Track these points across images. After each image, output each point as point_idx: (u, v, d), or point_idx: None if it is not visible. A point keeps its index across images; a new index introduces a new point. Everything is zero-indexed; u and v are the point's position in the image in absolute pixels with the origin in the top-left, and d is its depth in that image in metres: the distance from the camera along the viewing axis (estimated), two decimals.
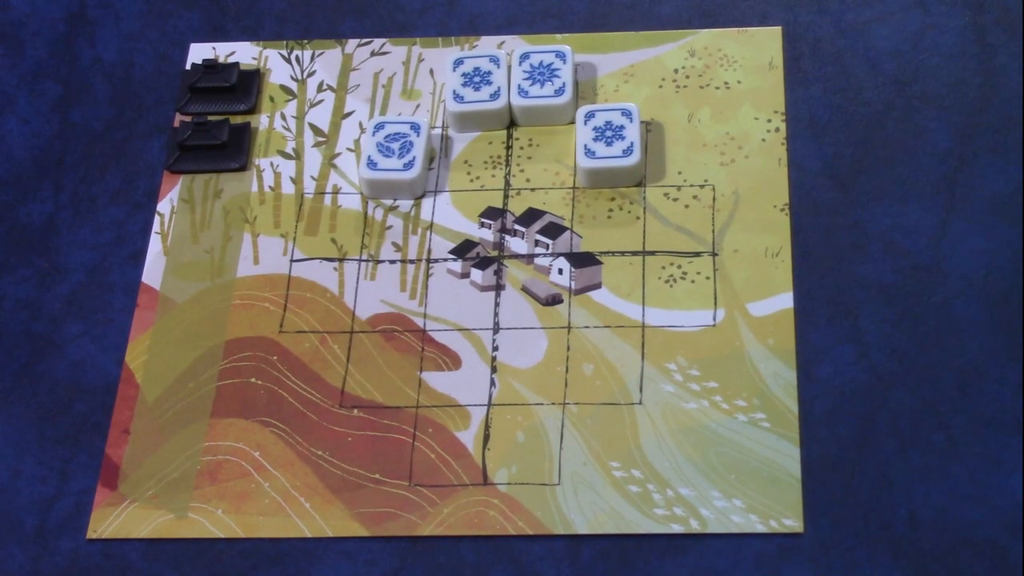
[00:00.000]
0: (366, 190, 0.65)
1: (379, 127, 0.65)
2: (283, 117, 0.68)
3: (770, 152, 0.64)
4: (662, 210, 0.63)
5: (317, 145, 0.67)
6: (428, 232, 0.64)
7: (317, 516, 0.57)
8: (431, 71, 0.68)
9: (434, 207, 0.64)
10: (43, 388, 0.61)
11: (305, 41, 0.70)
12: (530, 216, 0.64)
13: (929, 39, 0.66)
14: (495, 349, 0.60)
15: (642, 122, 0.65)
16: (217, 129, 0.66)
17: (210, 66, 0.68)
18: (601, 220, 0.63)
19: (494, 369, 0.60)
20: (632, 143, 0.63)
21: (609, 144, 0.63)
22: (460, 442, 0.58)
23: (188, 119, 0.67)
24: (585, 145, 0.63)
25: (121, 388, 0.61)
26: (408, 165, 0.64)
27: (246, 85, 0.68)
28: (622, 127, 0.64)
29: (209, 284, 0.63)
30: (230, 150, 0.66)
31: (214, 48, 0.70)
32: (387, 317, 0.62)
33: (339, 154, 0.66)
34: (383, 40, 0.69)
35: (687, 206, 0.63)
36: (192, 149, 0.66)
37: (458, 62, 0.67)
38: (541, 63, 0.66)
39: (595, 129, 0.64)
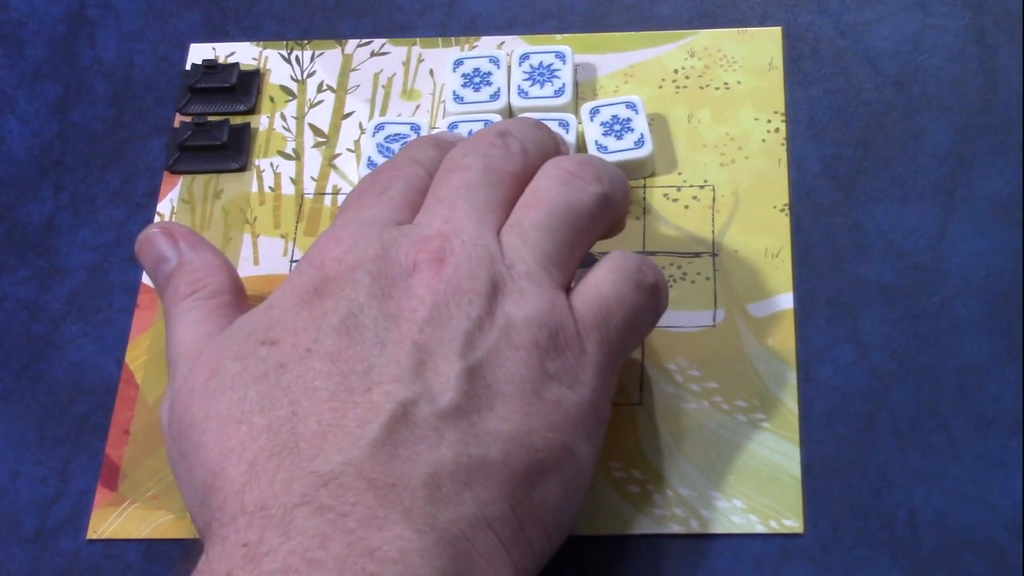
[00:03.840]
0: None
1: (379, 128, 0.65)
2: (283, 117, 0.68)
3: (770, 152, 0.64)
4: (662, 210, 0.63)
5: (317, 146, 0.67)
6: None
7: None
8: (431, 71, 0.68)
9: None
10: (43, 389, 0.61)
11: (305, 41, 0.70)
12: None
13: (929, 40, 0.66)
14: None
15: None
16: (217, 130, 0.66)
17: (210, 66, 0.68)
18: None
19: None
20: (642, 134, 0.63)
21: (620, 137, 0.63)
22: None
23: (188, 119, 0.67)
24: (596, 141, 0.63)
25: (121, 389, 0.61)
26: None
27: (246, 85, 0.68)
28: (629, 119, 0.64)
29: None
30: (230, 151, 0.66)
31: (214, 48, 0.70)
32: None
33: (339, 155, 0.66)
34: (383, 40, 0.69)
35: (687, 207, 0.63)
36: (192, 149, 0.66)
37: (458, 63, 0.66)
38: (541, 64, 0.66)
39: (603, 124, 0.64)
